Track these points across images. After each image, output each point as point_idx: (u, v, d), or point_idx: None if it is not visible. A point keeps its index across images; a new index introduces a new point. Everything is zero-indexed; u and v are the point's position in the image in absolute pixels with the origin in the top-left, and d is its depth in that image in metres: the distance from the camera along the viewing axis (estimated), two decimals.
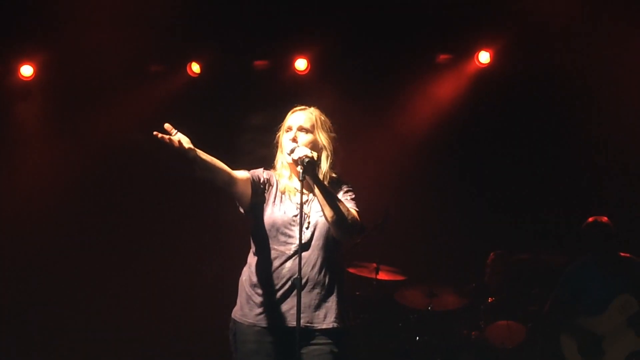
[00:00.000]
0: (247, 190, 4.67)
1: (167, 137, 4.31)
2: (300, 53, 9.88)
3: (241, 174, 4.67)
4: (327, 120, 4.91)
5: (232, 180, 4.58)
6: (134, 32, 9.28)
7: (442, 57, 9.90)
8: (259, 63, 10.00)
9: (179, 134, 4.37)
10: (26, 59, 9.87)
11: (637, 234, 8.60)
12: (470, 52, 9.81)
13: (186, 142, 4.36)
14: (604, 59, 9.27)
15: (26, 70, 9.86)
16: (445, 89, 9.95)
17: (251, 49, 9.86)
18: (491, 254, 9.04)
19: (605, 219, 7.73)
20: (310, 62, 9.88)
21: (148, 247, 9.90)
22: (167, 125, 4.36)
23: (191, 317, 9.57)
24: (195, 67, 9.92)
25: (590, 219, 7.77)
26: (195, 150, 4.39)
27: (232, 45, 9.77)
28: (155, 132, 4.31)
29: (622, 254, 7.73)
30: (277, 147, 4.90)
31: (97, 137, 9.78)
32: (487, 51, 9.72)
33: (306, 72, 9.91)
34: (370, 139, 9.68)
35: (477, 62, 9.80)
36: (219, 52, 9.86)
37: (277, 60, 10.01)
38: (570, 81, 9.52)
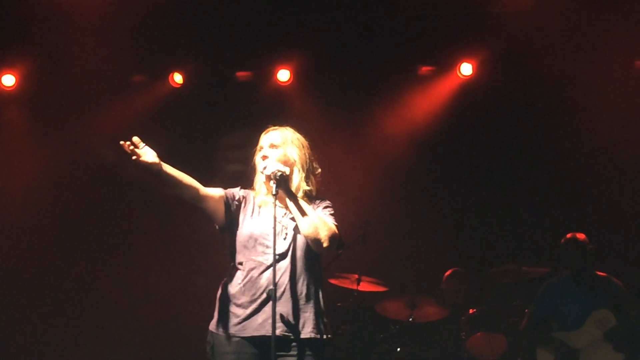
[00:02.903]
0: (220, 208, 4.74)
1: (132, 147, 4.39)
2: (283, 64, 9.86)
3: (213, 191, 4.74)
4: (302, 138, 4.98)
5: (200, 196, 4.65)
6: (116, 42, 9.27)
7: (424, 69, 9.92)
8: (242, 74, 9.99)
9: (146, 147, 4.45)
10: (8, 68, 9.81)
11: (615, 252, 8.68)
12: (452, 64, 9.82)
13: (152, 156, 4.45)
14: (585, 70, 9.30)
15: (8, 80, 9.80)
16: (427, 101, 9.97)
17: (234, 59, 9.86)
18: (448, 270, 9.07)
19: (582, 236, 7.75)
20: (292, 73, 9.88)
21: (128, 257, 9.90)
22: (135, 139, 4.42)
23: (168, 332, 9.54)
24: (178, 78, 9.90)
25: (568, 235, 7.79)
26: (160, 164, 4.47)
27: (215, 56, 9.77)
28: (122, 142, 4.39)
29: (599, 272, 7.75)
30: (254, 168, 4.96)
31: (80, 147, 9.75)
32: (469, 63, 9.74)
33: (289, 83, 9.90)
34: (352, 149, 9.71)
35: (459, 74, 9.81)
36: (201, 63, 9.85)
37: (259, 71, 10.00)
38: (552, 93, 9.57)
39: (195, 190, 4.62)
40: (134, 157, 4.40)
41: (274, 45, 9.69)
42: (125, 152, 4.39)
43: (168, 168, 4.51)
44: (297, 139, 4.95)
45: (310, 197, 4.86)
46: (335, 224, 4.79)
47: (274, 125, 4.99)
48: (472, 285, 9.01)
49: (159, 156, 4.50)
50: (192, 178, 4.65)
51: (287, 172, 4.69)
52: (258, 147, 4.94)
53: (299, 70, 9.88)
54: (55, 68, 9.73)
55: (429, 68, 9.93)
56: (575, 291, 7.66)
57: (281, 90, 9.95)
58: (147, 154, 4.43)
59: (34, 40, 9.51)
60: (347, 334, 8.74)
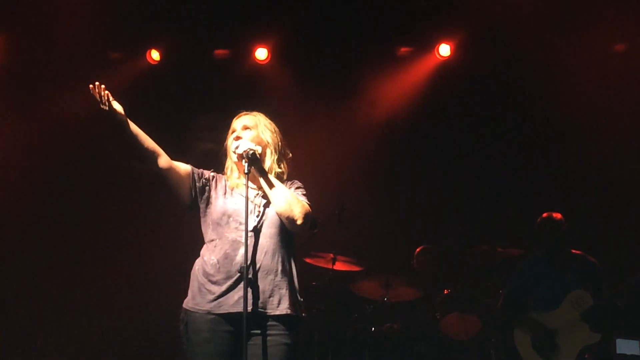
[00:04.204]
0: (185, 183, 4.82)
1: (100, 89, 4.48)
2: (261, 42, 9.86)
3: (180, 165, 4.83)
4: (273, 123, 5.06)
5: (163, 164, 4.72)
6: (93, 18, 9.19)
7: (403, 49, 9.93)
8: (220, 52, 9.97)
9: (115, 102, 4.55)
10: None
11: (590, 232, 8.72)
12: (430, 44, 9.85)
13: (118, 106, 4.57)
14: (564, 53, 9.33)
15: None
16: (406, 82, 9.97)
17: (212, 37, 9.82)
18: (417, 248, 9.11)
19: (558, 215, 7.78)
20: (270, 51, 9.88)
21: (101, 234, 9.85)
22: (106, 92, 4.50)
23: (140, 310, 9.51)
24: (155, 55, 9.86)
25: (544, 215, 7.83)
26: (126, 117, 4.57)
27: (193, 34, 9.72)
28: (91, 85, 4.48)
29: (574, 251, 7.79)
30: (225, 153, 5.03)
31: (55, 123, 9.65)
32: (447, 44, 9.77)
33: (266, 61, 9.91)
34: (329, 129, 9.70)
35: (437, 55, 9.84)
36: (179, 40, 9.81)
37: (237, 50, 9.99)
38: (531, 75, 9.59)
39: (158, 155, 4.69)
40: (100, 98, 4.48)
41: (253, 24, 9.67)
42: (94, 95, 4.48)
43: (134, 126, 4.61)
44: (270, 123, 5.04)
45: (281, 180, 4.90)
46: (309, 203, 4.84)
47: (246, 111, 5.06)
48: (442, 263, 9.05)
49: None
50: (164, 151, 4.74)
51: (260, 151, 4.77)
52: (230, 131, 5.02)
53: (277, 49, 9.88)
54: (31, 44, 9.64)
55: (407, 49, 9.94)
56: (551, 270, 7.70)
57: (259, 69, 9.95)
58: (115, 103, 4.54)
59: (10, 15, 9.41)
60: (321, 313, 8.74)
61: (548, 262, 7.76)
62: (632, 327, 7.72)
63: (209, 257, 4.72)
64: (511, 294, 7.87)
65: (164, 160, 4.71)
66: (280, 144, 4.99)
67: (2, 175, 9.64)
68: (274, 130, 5.00)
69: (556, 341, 7.47)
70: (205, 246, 4.82)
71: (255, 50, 9.87)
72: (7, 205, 9.64)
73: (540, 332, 7.53)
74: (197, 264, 4.79)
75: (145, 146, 4.65)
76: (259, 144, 4.84)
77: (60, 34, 9.33)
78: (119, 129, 4.57)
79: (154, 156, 4.68)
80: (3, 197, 9.63)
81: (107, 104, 4.48)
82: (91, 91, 4.48)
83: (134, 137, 4.61)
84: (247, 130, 4.92)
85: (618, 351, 7.49)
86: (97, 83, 4.48)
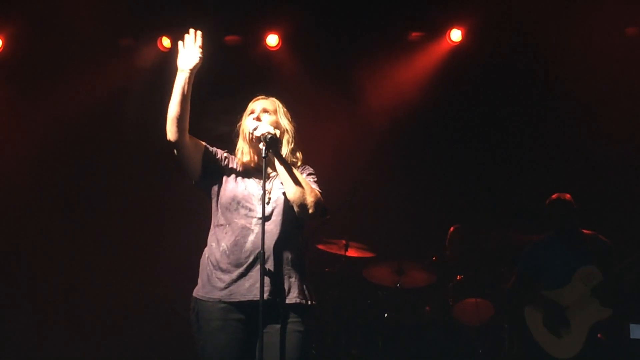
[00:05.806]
0: (197, 157, 4.77)
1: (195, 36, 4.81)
2: (272, 29, 9.83)
3: (196, 140, 4.78)
4: (288, 112, 5.02)
5: (186, 135, 4.67)
6: (104, 5, 9.17)
7: (414, 34, 9.90)
8: (230, 38, 9.94)
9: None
10: None
11: (601, 212, 8.69)
12: (442, 30, 9.81)
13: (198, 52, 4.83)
14: (576, 37, 9.29)
15: None
16: (417, 67, 9.95)
17: (222, 24, 9.79)
18: (451, 227, 9.09)
19: (568, 196, 7.79)
20: (281, 38, 9.84)
21: (110, 221, 9.86)
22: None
23: (149, 301, 9.52)
24: (166, 42, 9.82)
25: (554, 196, 7.84)
26: (194, 70, 4.73)
27: (203, 20, 9.65)
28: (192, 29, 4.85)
29: (585, 231, 7.78)
30: (238, 135, 4.99)
31: (67, 111, 9.65)
32: (459, 29, 9.74)
33: (277, 48, 9.88)
34: (341, 115, 9.66)
35: (449, 40, 9.81)
36: (189, 27, 9.76)
37: (248, 36, 9.95)
38: (542, 60, 9.56)
39: (186, 122, 4.66)
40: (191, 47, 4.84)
41: (264, 10, 9.64)
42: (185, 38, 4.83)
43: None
44: (288, 112, 5.00)
45: (295, 167, 4.84)
46: (320, 191, 4.79)
47: (263, 95, 5.03)
48: (476, 243, 9.03)
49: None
50: None
51: (278, 135, 4.74)
52: (248, 112, 4.96)
53: (288, 35, 9.85)
54: (42, 31, 9.63)
55: (418, 34, 9.90)
56: (561, 249, 7.70)
57: (270, 55, 9.92)
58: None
59: (20, 3, 9.41)
60: (334, 300, 8.75)
61: (558, 241, 7.76)
62: None
63: (217, 244, 4.69)
64: (522, 273, 7.88)
65: (185, 130, 4.66)
66: (296, 134, 4.96)
67: (13, 164, 9.65)
68: (291, 120, 4.98)
69: (567, 318, 7.48)
70: (212, 231, 4.78)
71: (266, 37, 9.84)
72: (21, 188, 9.68)
73: (551, 310, 7.53)
74: (206, 252, 4.77)
75: (188, 105, 4.65)
76: (276, 129, 4.79)
77: (70, 21, 9.31)
78: (188, 77, 4.68)
79: (183, 123, 4.64)
80: (17, 181, 9.66)
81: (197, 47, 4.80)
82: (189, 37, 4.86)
83: (188, 91, 4.65)
84: (266, 113, 4.88)
85: (632, 336, 7.47)
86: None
